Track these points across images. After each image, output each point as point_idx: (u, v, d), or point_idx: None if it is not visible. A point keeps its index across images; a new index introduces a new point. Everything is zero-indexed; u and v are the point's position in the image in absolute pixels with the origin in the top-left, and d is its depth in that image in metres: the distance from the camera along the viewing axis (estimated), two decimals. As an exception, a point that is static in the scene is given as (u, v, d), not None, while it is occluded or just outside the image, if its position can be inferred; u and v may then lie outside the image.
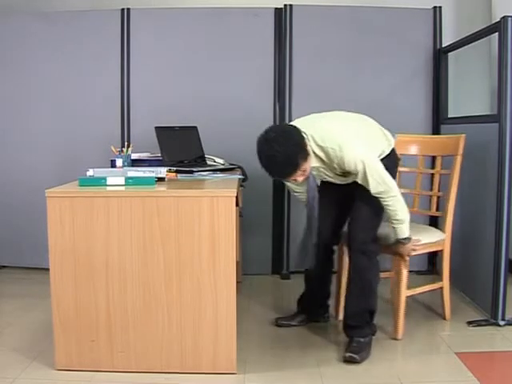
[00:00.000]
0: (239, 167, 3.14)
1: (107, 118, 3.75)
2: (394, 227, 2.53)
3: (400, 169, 2.79)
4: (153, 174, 2.49)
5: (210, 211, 2.28)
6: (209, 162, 3.19)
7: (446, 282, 2.89)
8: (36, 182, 3.60)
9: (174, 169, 2.79)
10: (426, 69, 3.71)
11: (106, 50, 3.72)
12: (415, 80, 3.71)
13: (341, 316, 2.83)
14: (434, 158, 3.07)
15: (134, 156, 3.09)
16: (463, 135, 2.82)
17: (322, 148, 2.40)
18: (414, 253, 2.64)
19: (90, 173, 2.53)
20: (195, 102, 3.70)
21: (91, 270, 2.32)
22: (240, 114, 3.69)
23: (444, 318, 2.93)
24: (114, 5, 3.78)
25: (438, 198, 3.03)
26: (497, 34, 2.79)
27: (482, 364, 2.45)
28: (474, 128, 3.01)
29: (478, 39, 3.15)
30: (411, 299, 2.99)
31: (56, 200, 2.30)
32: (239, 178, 2.81)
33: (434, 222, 3.32)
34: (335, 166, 2.44)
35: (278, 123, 3.69)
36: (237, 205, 2.38)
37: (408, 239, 2.55)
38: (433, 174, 3.06)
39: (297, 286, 3.05)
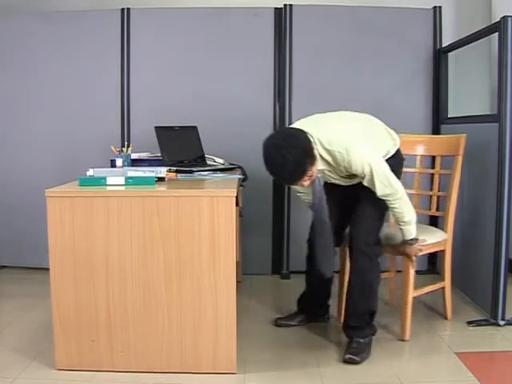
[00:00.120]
0: (239, 167, 3.14)
1: (107, 117, 3.75)
2: (401, 228, 2.52)
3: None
4: (153, 174, 2.49)
5: (210, 211, 2.28)
6: (209, 162, 3.19)
7: (447, 282, 2.89)
8: (36, 182, 3.60)
9: (174, 169, 2.79)
10: (426, 69, 3.71)
11: (105, 49, 3.72)
12: (415, 80, 3.71)
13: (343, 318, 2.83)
14: (433, 158, 3.07)
15: (134, 156, 3.09)
16: (464, 135, 2.82)
17: (328, 151, 2.38)
18: (420, 253, 2.64)
19: (90, 173, 2.53)
20: (195, 102, 3.70)
21: (91, 270, 2.32)
22: (240, 113, 3.69)
23: (445, 318, 2.93)
24: (113, 5, 3.78)
25: (438, 197, 3.03)
26: (497, 33, 2.79)
27: (482, 364, 2.45)
28: (474, 128, 3.01)
29: (478, 39, 3.15)
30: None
31: (56, 200, 2.30)
32: (239, 178, 2.80)
33: (434, 222, 3.32)
34: (342, 169, 2.43)
35: (278, 123, 3.70)
36: (237, 205, 2.38)
37: (415, 240, 2.55)
38: (433, 174, 3.06)
39: (297, 285, 3.05)
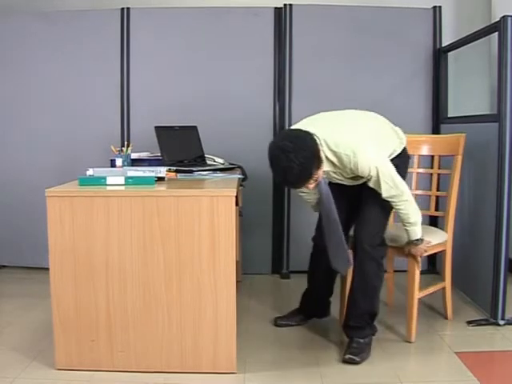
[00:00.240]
0: (239, 167, 3.14)
1: (107, 117, 3.75)
2: (406, 229, 2.52)
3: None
4: (152, 174, 2.49)
5: (210, 211, 2.28)
6: (209, 162, 3.19)
7: (448, 283, 2.88)
8: (36, 182, 3.59)
9: (174, 168, 2.79)
10: (426, 68, 3.71)
11: (105, 49, 3.72)
12: (415, 80, 3.71)
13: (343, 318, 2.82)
14: (433, 158, 3.07)
15: (134, 155, 3.09)
16: (463, 135, 2.82)
17: (335, 153, 2.36)
18: (426, 253, 2.64)
19: (90, 172, 2.53)
20: (195, 102, 3.70)
21: (91, 270, 2.32)
22: (240, 113, 3.69)
23: (446, 318, 2.92)
24: (113, 4, 3.77)
25: (438, 197, 3.03)
26: (496, 33, 2.79)
27: (481, 364, 2.45)
28: (473, 127, 3.01)
29: (478, 39, 3.15)
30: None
31: (56, 199, 2.30)
32: (239, 178, 2.80)
33: (434, 222, 3.32)
34: (348, 170, 2.41)
35: (277, 123, 3.69)
36: (237, 204, 2.38)
37: (420, 240, 2.55)
38: (432, 174, 3.06)
39: (297, 285, 3.06)
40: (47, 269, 2.35)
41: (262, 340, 2.72)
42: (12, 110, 3.79)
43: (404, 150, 2.58)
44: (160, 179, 2.56)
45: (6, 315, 3.04)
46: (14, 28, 3.75)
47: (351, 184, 2.56)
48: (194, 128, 3.34)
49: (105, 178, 2.45)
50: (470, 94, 3.90)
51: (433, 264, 3.68)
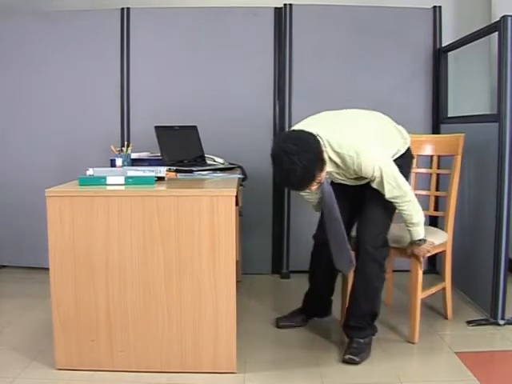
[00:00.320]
0: (239, 167, 3.13)
1: (107, 117, 3.75)
2: (409, 230, 2.52)
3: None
4: (152, 174, 2.49)
5: (210, 211, 2.28)
6: (208, 162, 3.19)
7: (448, 283, 2.88)
8: (36, 182, 3.59)
9: (174, 168, 2.79)
10: (426, 68, 3.71)
11: (105, 49, 3.72)
12: (415, 79, 3.71)
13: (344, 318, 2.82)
14: (432, 158, 3.07)
15: (134, 155, 3.09)
16: (462, 134, 2.82)
17: (338, 154, 2.35)
18: (428, 254, 2.64)
19: (90, 172, 2.53)
20: (195, 102, 3.70)
21: (91, 270, 2.32)
22: (240, 113, 3.69)
23: (446, 318, 2.92)
24: (113, 4, 3.77)
25: (437, 197, 3.03)
26: (496, 33, 2.80)
27: (481, 363, 2.45)
28: (473, 127, 3.01)
29: (478, 38, 3.15)
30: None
31: (56, 199, 2.30)
32: (239, 178, 2.80)
33: (434, 222, 3.32)
34: (351, 171, 2.40)
35: (277, 122, 3.69)
36: (236, 204, 2.38)
37: (423, 240, 2.54)
38: (432, 174, 3.06)
39: (297, 285, 3.06)
40: (47, 269, 2.35)
41: (262, 340, 2.72)
42: (12, 110, 3.79)
43: (408, 150, 2.57)
44: (160, 179, 2.56)
45: (6, 315, 3.04)
46: (13, 28, 3.75)
47: (354, 184, 2.55)
48: (194, 128, 3.34)
49: (105, 178, 2.45)
50: (469, 93, 3.90)
51: (433, 264, 3.68)
